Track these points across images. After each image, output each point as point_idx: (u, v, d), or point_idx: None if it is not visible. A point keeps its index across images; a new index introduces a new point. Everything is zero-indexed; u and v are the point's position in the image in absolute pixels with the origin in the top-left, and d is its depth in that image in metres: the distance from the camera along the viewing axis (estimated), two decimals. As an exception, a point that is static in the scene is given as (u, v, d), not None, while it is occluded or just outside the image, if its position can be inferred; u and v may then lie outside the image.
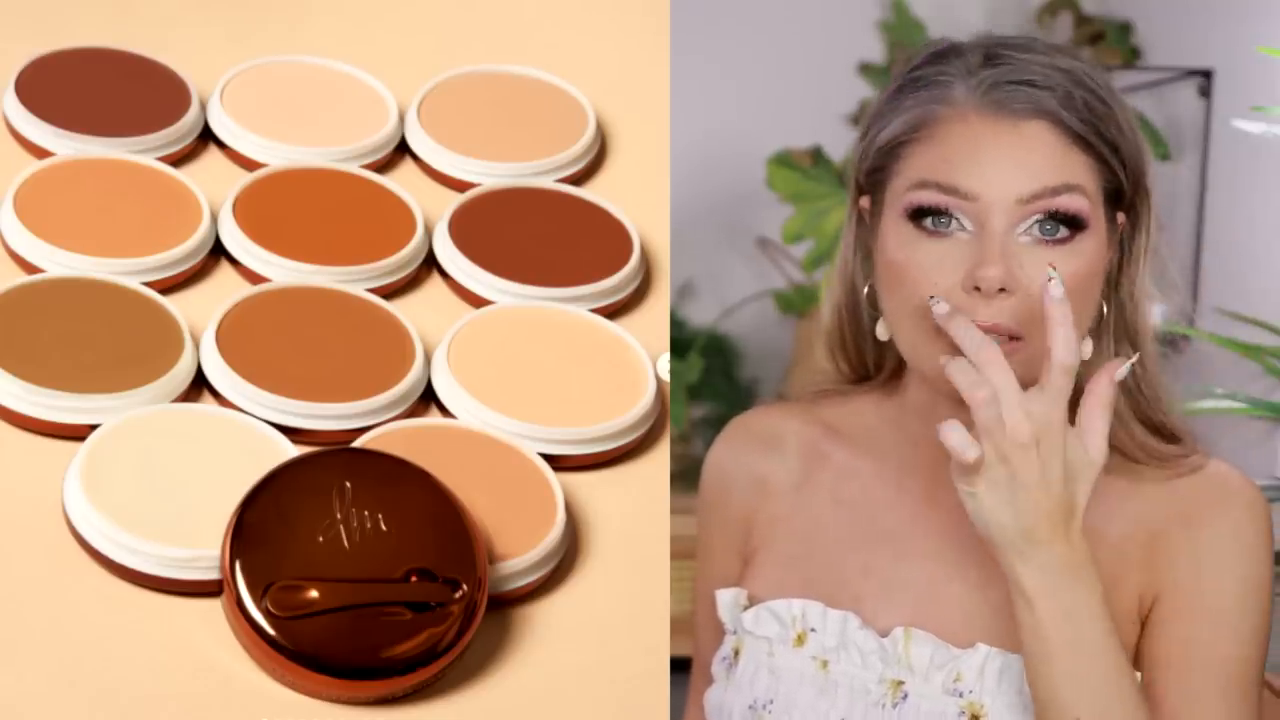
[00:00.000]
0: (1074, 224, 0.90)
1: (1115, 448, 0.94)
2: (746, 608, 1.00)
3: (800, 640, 0.98)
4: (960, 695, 0.94)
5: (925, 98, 0.92)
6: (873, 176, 0.95)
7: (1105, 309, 0.95)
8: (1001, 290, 0.89)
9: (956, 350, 0.88)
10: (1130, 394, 0.95)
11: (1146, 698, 0.92)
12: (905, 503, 0.99)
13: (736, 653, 1.00)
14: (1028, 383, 0.87)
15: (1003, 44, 0.93)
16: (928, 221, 0.91)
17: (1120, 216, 0.94)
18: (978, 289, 0.89)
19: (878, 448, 1.01)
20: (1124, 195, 0.93)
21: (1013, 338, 0.90)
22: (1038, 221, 0.90)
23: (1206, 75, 2.29)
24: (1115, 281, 0.95)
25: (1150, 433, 0.95)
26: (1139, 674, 0.94)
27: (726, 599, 1.02)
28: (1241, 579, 0.94)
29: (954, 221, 0.90)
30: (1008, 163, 0.90)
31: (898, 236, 0.92)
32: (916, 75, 0.94)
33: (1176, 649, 0.93)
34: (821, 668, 0.97)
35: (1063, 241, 0.90)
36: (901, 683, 0.95)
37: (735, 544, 1.05)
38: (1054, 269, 0.87)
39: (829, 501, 1.01)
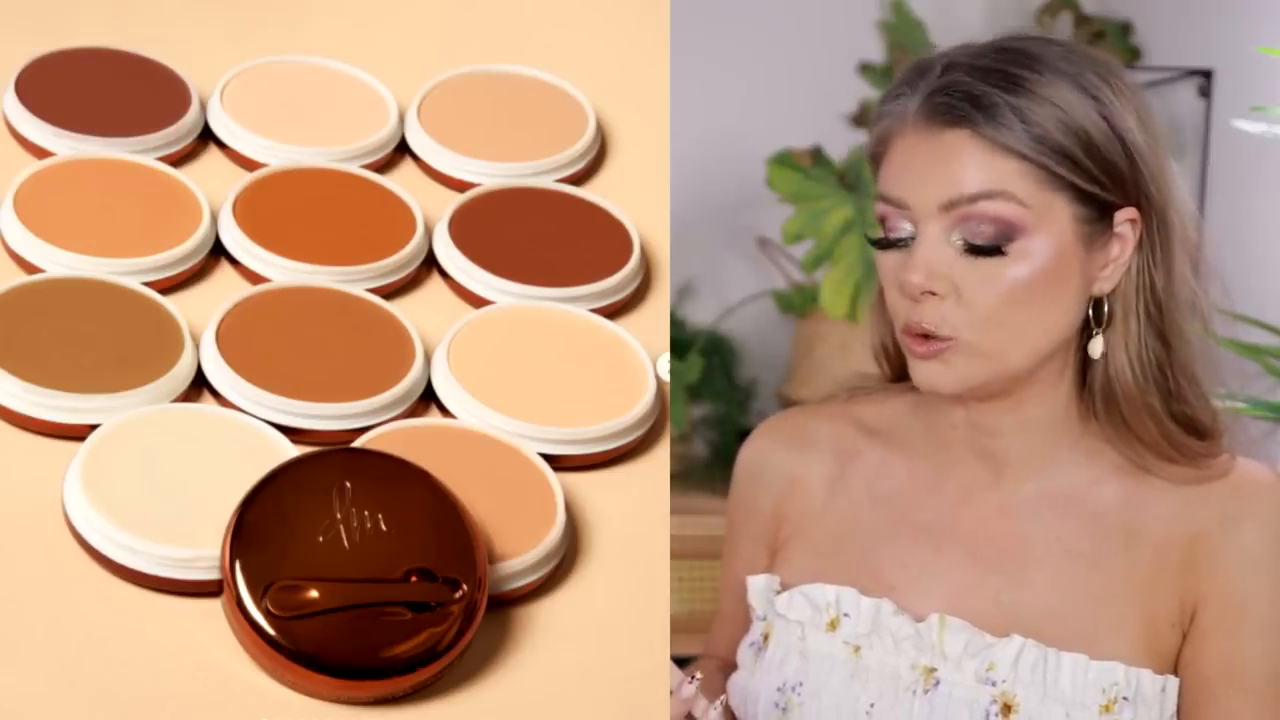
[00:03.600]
0: (1005, 229, 0.91)
1: (1148, 445, 0.95)
2: (779, 592, 1.01)
3: (833, 625, 0.98)
4: (993, 684, 0.94)
5: (886, 112, 0.95)
6: None
7: (1103, 308, 0.95)
8: (932, 294, 0.92)
9: (910, 334, 0.92)
10: (1161, 390, 0.95)
11: (1186, 709, 0.93)
12: (940, 500, 1.00)
13: (766, 637, 1.01)
14: (976, 377, 0.92)
15: (966, 53, 0.94)
16: (888, 232, 0.94)
17: (1124, 215, 0.94)
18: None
19: (913, 446, 1.03)
20: (1096, 197, 0.93)
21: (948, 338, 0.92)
22: (969, 228, 0.91)
23: (1206, 75, 2.28)
24: (1148, 282, 0.95)
25: (1182, 429, 0.95)
26: (1176, 680, 0.94)
27: (759, 584, 1.03)
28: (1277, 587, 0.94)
29: (903, 230, 0.93)
30: (930, 171, 0.92)
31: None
32: (893, 90, 0.96)
33: (1218, 665, 0.94)
34: (854, 653, 0.98)
35: (997, 247, 0.91)
36: (934, 669, 0.95)
37: (764, 537, 1.06)
38: None
39: (864, 497, 1.03)
